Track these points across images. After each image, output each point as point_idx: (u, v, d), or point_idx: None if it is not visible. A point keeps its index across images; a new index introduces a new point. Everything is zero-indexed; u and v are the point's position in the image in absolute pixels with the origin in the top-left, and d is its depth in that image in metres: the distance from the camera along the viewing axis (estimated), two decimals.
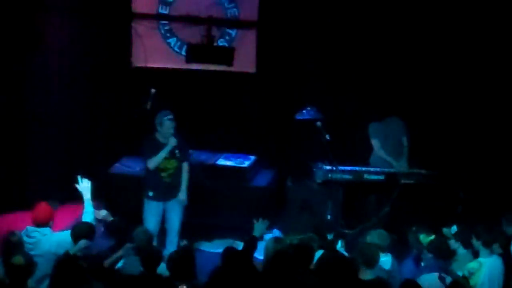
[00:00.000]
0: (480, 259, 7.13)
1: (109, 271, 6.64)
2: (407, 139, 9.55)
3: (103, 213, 7.48)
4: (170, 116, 8.48)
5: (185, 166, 8.72)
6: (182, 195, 8.61)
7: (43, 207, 7.26)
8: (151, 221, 8.52)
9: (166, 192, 8.60)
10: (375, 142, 9.56)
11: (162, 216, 8.66)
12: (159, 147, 8.49)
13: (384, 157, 9.52)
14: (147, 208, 8.63)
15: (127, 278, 6.59)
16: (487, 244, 7.14)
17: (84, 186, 7.47)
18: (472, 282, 6.93)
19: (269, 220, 9.37)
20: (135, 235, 7.12)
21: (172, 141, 8.46)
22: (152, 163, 8.48)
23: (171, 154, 8.51)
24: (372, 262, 6.48)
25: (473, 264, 7.08)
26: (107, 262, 6.83)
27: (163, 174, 8.54)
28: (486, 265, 7.04)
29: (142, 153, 8.65)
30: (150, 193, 8.59)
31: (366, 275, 6.40)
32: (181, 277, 6.23)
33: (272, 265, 6.52)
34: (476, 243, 7.22)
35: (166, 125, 8.44)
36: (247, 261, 6.76)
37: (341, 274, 6.33)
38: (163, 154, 8.46)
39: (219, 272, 6.54)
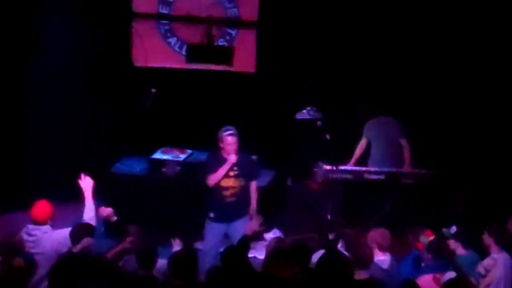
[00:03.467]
0: (494, 255, 7.13)
1: (110, 269, 6.64)
2: (407, 141, 9.55)
3: (108, 211, 7.46)
4: (231, 132, 8.03)
5: (253, 185, 8.29)
6: (252, 213, 8.05)
7: (42, 205, 7.26)
8: (210, 241, 8.19)
9: (230, 213, 8.16)
10: (362, 140, 9.67)
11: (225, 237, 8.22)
12: (221, 163, 8.04)
13: (355, 156, 9.64)
14: (208, 229, 8.24)
15: (123, 276, 6.59)
16: (501, 241, 7.14)
17: (86, 183, 7.47)
18: (489, 279, 6.95)
19: (269, 220, 9.47)
20: (130, 230, 7.16)
21: (231, 158, 8.00)
22: (211, 180, 8.02)
23: (232, 172, 8.08)
24: (365, 262, 6.49)
25: (488, 261, 7.08)
26: (110, 254, 6.87)
27: (226, 193, 8.10)
28: (500, 261, 7.05)
29: (204, 169, 8.24)
30: (211, 214, 8.19)
31: (360, 275, 6.41)
32: (182, 276, 6.25)
33: (270, 265, 6.53)
34: (489, 239, 7.20)
35: (225, 141, 8.00)
36: (242, 259, 6.76)
37: (341, 274, 6.34)
38: (222, 171, 7.99)
39: (217, 271, 6.56)
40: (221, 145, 8.06)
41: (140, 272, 6.47)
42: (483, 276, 6.96)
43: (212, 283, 6.38)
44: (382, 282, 6.54)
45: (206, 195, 8.21)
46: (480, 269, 7.03)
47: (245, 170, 8.20)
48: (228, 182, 8.12)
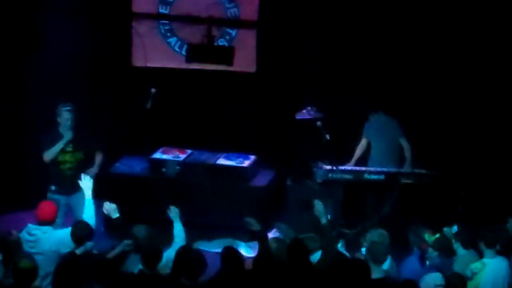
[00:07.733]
0: (484, 259, 7.10)
1: (111, 270, 6.64)
2: (407, 140, 9.55)
3: (112, 206, 7.44)
4: (69, 108, 8.50)
5: (98, 156, 8.80)
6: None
7: (48, 206, 7.28)
8: None
9: (69, 185, 8.48)
10: (362, 140, 9.71)
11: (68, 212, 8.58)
12: (58, 139, 8.52)
13: (356, 156, 9.66)
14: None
15: (127, 277, 6.60)
16: (492, 246, 7.12)
17: (86, 183, 7.56)
18: (474, 282, 6.92)
19: (269, 219, 9.47)
20: (135, 231, 7.14)
21: (68, 135, 8.47)
22: (47, 155, 8.49)
23: (69, 147, 8.53)
24: (381, 259, 6.54)
25: (476, 264, 7.06)
26: (110, 255, 6.88)
27: (63, 167, 8.54)
28: (490, 266, 7.02)
29: (41, 145, 8.62)
30: (53, 187, 8.59)
31: (375, 273, 6.44)
32: (188, 276, 6.27)
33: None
34: (481, 244, 7.18)
35: (63, 117, 8.47)
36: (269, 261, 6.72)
37: (341, 274, 6.35)
38: (58, 146, 8.46)
39: (219, 272, 6.57)
40: (59, 120, 8.50)
41: (145, 270, 6.49)
42: (469, 279, 6.93)
43: (213, 283, 6.39)
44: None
45: (47, 169, 8.63)
46: (468, 271, 7.01)
47: (82, 146, 8.60)
48: (65, 157, 8.55)
